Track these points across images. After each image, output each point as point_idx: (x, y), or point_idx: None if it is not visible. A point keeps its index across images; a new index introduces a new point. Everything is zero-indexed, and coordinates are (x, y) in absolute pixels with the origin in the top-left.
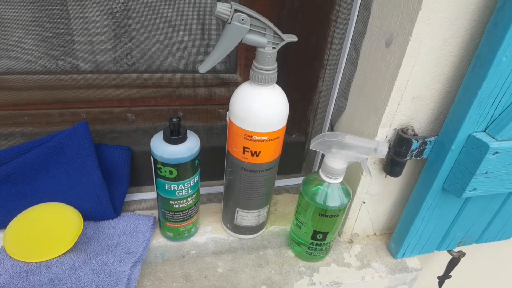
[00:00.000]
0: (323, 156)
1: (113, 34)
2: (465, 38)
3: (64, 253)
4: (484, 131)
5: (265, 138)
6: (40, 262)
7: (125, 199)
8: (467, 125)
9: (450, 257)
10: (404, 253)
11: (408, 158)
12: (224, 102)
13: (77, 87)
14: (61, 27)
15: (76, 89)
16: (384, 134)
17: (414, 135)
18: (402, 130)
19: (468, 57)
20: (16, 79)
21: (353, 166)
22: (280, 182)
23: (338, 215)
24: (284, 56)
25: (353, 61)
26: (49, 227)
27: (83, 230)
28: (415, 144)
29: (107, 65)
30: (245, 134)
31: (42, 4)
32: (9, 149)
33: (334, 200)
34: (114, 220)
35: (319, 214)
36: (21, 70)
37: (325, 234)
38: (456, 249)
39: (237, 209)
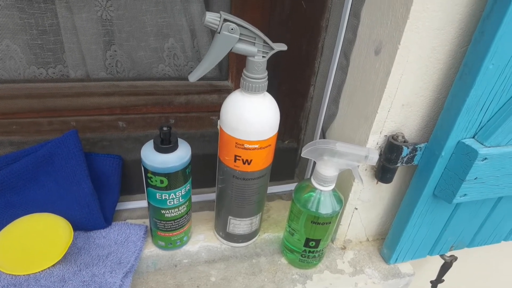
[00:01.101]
0: (315, 163)
1: (102, 41)
2: (453, 46)
3: (53, 265)
4: (473, 137)
5: (256, 146)
6: (29, 274)
7: (117, 208)
8: (456, 131)
9: (443, 261)
10: (396, 259)
11: (399, 164)
12: (216, 109)
13: (67, 95)
14: (51, 35)
15: (66, 97)
16: (374, 141)
17: (404, 141)
18: (392, 137)
19: (456, 64)
20: (4, 87)
21: (345, 172)
22: (272, 189)
23: (330, 222)
24: (276, 63)
25: (343, 69)
26: (38, 239)
27: (73, 240)
28: (405, 151)
29: (97, 72)
30: (236, 143)
31: (31, 12)
32: None
33: (326, 207)
34: (105, 229)
35: (312, 222)
36: (10, 78)
37: (317, 241)
38: (448, 254)
39: (229, 217)
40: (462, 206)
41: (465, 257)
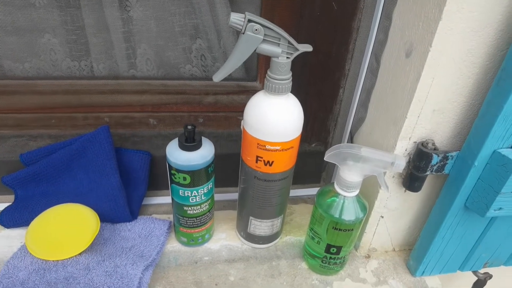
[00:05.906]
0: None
1: (132, 39)
2: (491, 49)
3: (80, 253)
4: (511, 147)
5: (278, 148)
6: (57, 260)
7: (144, 202)
8: (491, 140)
9: (475, 278)
10: (423, 271)
11: (428, 173)
12: (243, 110)
13: (101, 92)
14: (81, 35)
15: (100, 94)
16: (403, 147)
17: (435, 149)
18: (422, 143)
19: (494, 69)
20: (45, 83)
21: (370, 179)
22: (297, 192)
23: (353, 229)
24: (305, 64)
25: (373, 71)
26: (67, 228)
27: (99, 231)
28: (435, 159)
29: (128, 69)
30: (258, 143)
31: (67, 10)
32: (36, 151)
33: (349, 213)
34: (130, 223)
35: (333, 228)
36: (48, 75)
37: (339, 248)
38: (482, 270)
39: (251, 217)
40: (498, 220)
41: (502, 275)
